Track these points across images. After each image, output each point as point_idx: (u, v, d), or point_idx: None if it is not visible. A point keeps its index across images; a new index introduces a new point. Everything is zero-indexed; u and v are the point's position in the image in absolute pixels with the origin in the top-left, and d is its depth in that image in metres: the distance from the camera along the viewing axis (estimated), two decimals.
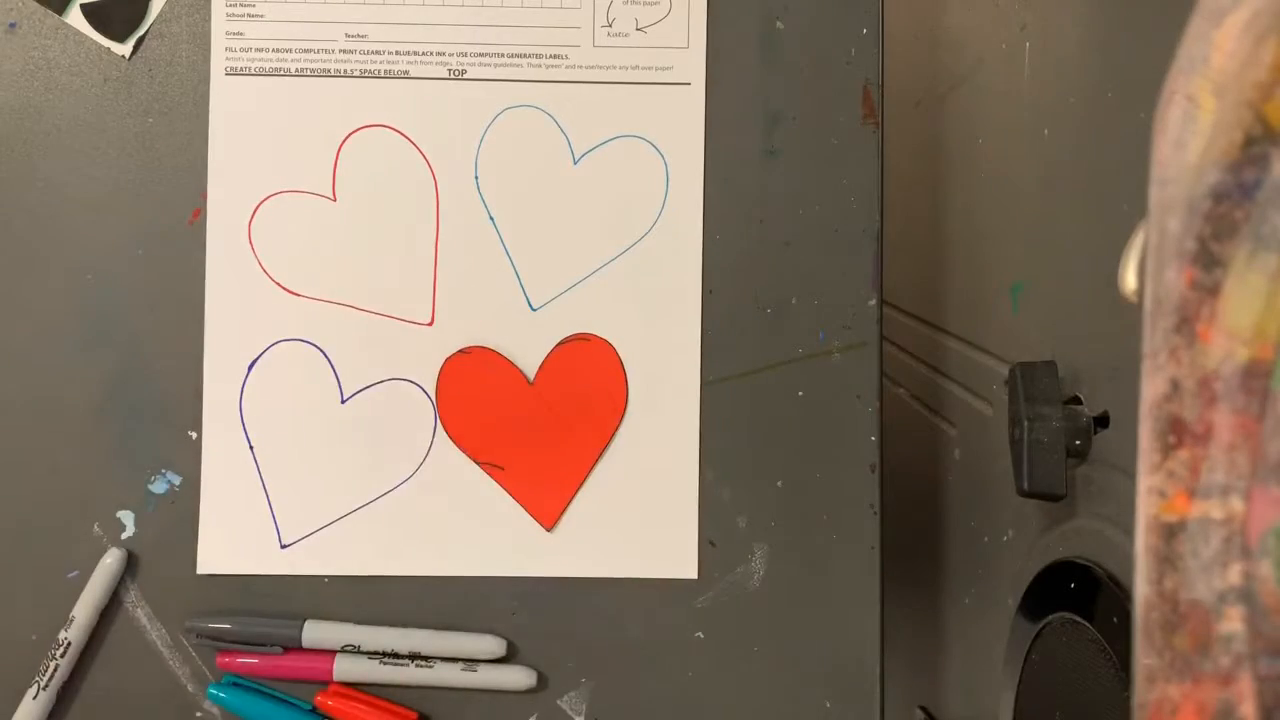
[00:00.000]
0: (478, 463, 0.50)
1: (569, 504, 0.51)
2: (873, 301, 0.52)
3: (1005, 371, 0.56)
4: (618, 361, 0.51)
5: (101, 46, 0.50)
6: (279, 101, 0.50)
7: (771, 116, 0.51)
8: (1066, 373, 0.52)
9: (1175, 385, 0.23)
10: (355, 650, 0.49)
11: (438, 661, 0.50)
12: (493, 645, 0.50)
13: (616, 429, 0.51)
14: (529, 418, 0.51)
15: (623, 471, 0.51)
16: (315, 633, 0.49)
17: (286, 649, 0.49)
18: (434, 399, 0.50)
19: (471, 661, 0.50)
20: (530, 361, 0.51)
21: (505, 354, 0.51)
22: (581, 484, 0.51)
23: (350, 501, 0.50)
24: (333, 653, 0.49)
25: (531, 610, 0.48)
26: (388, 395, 0.50)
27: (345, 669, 0.49)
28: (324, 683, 0.50)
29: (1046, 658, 0.54)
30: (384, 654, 0.50)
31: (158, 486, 0.50)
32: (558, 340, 0.51)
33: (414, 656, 0.50)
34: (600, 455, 0.51)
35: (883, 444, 0.52)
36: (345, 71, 0.50)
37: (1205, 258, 0.23)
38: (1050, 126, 0.58)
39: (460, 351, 0.51)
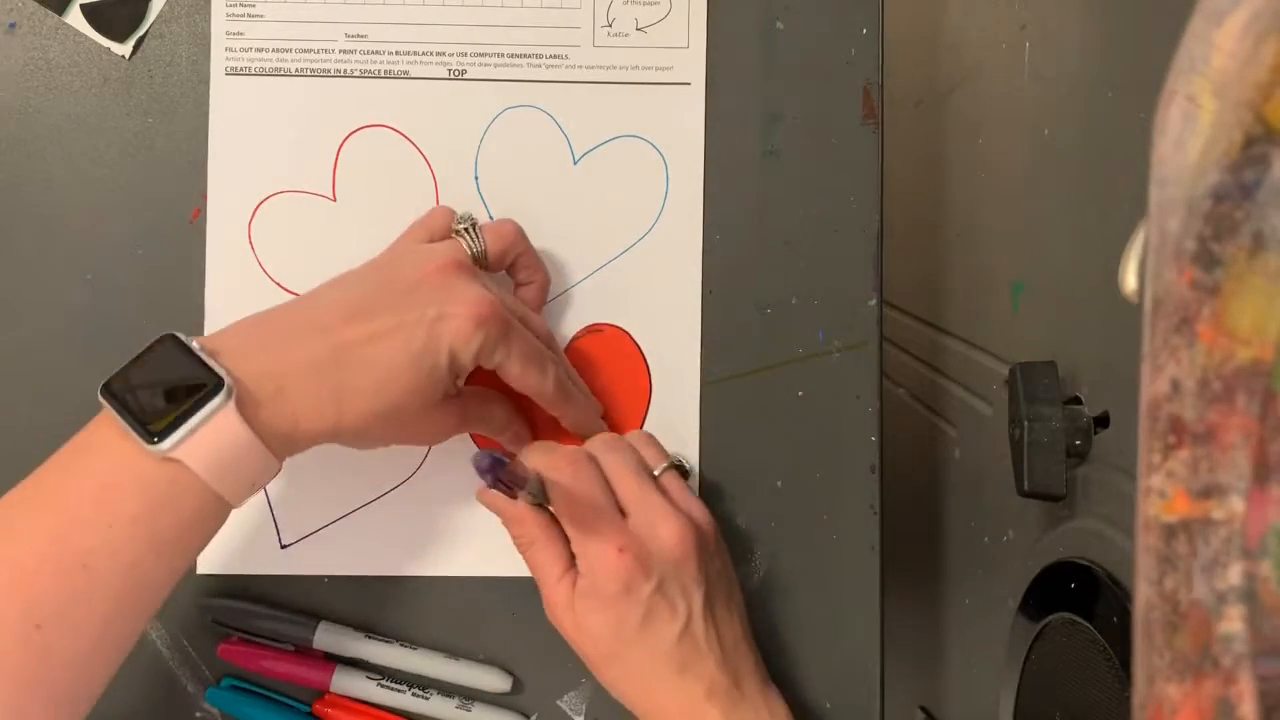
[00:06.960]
0: None
1: None
2: (873, 301, 0.52)
3: (1005, 371, 0.56)
4: (635, 348, 0.51)
5: (101, 46, 0.50)
6: (279, 101, 0.50)
7: (771, 116, 0.51)
8: (1066, 373, 0.52)
9: (1175, 385, 0.23)
10: (358, 663, 0.49)
11: (435, 695, 0.49)
12: (498, 681, 0.50)
13: (645, 415, 0.51)
14: (554, 418, 0.50)
15: None
16: (327, 637, 0.49)
17: (297, 647, 0.49)
18: None
19: (468, 700, 0.50)
20: None
21: None
22: None
23: (350, 501, 0.50)
24: (332, 664, 0.49)
25: (531, 610, 0.48)
26: None
27: (342, 684, 0.49)
28: (319, 691, 0.49)
29: (1046, 658, 0.53)
30: (384, 672, 0.50)
31: None
32: (569, 335, 0.51)
33: (414, 681, 0.49)
34: None
35: (883, 444, 0.52)
36: (345, 71, 0.50)
37: (1205, 258, 0.23)
38: (1050, 126, 0.58)
39: None
